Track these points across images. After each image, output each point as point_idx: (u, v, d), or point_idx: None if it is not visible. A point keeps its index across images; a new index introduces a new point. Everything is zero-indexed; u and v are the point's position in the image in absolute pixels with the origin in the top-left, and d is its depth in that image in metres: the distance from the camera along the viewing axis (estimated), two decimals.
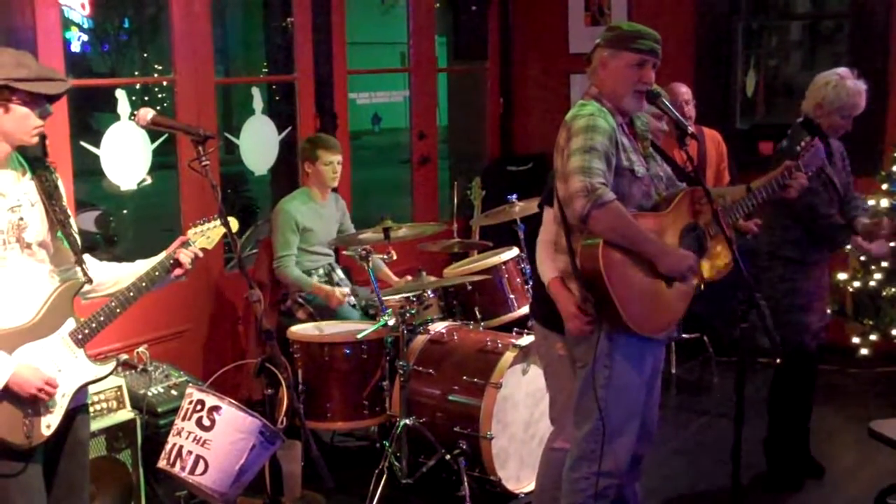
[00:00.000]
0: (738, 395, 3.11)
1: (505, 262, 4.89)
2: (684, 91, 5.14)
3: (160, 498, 4.04)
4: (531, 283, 4.67)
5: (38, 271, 2.85)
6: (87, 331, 2.87)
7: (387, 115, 24.46)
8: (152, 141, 4.95)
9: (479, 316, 4.84)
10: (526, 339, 4.33)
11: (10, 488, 2.75)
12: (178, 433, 3.26)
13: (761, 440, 4.49)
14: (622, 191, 3.09)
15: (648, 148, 3.29)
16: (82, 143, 4.79)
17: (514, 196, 5.07)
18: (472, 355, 4.40)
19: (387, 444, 4.28)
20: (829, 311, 4.83)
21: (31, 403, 2.74)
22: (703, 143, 5.29)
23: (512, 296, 4.88)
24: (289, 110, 6.03)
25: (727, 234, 3.15)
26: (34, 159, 2.94)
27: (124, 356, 4.23)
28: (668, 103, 3.22)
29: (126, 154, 4.85)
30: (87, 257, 2.99)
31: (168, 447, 3.26)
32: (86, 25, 16.63)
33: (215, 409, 3.21)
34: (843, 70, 4.23)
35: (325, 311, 4.91)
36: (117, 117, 4.83)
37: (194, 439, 3.19)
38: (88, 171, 5.34)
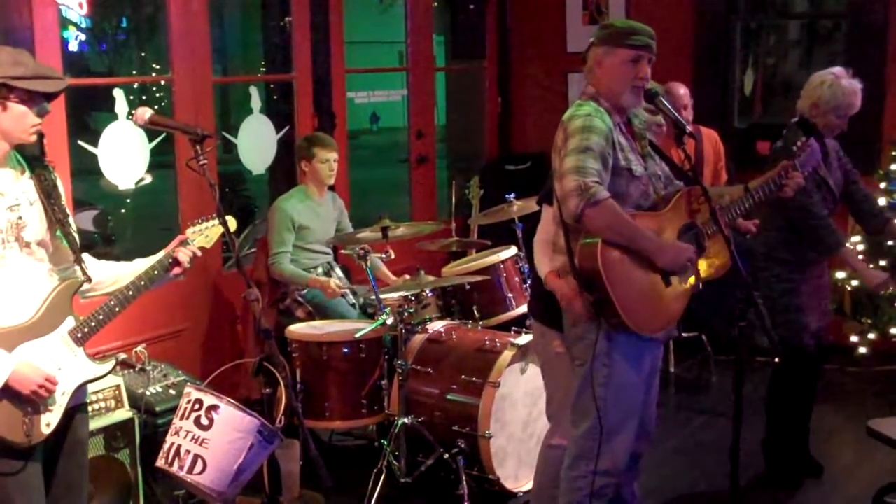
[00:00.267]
0: (736, 394, 3.12)
1: (503, 261, 4.89)
2: (682, 94, 5.12)
3: (158, 497, 4.03)
4: (529, 281, 4.67)
5: (36, 270, 2.85)
6: (86, 329, 2.88)
7: (385, 115, 24.45)
8: (150, 140, 4.95)
9: (477, 315, 4.85)
10: (524, 338, 4.33)
11: (9, 487, 2.75)
12: (177, 432, 3.25)
13: (760, 440, 4.50)
14: (620, 190, 3.09)
15: (646, 147, 3.29)
16: (80, 143, 4.79)
17: (513, 195, 5.07)
18: (470, 354, 4.40)
19: (385, 444, 4.28)
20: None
21: (31, 402, 2.74)
22: (700, 142, 5.29)
23: (510, 295, 4.88)
24: (287, 109, 6.03)
25: (725, 233, 3.15)
26: (33, 158, 2.94)
27: (122, 355, 4.22)
28: (666, 102, 3.22)
29: (124, 153, 4.84)
30: (85, 256, 2.99)
31: (166, 446, 3.26)
32: (83, 25, 16.59)
33: (213, 408, 3.21)
34: (838, 69, 4.23)
35: (324, 310, 4.91)
36: (115, 116, 4.82)
37: (192, 438, 3.19)
38: (86, 170, 5.33)
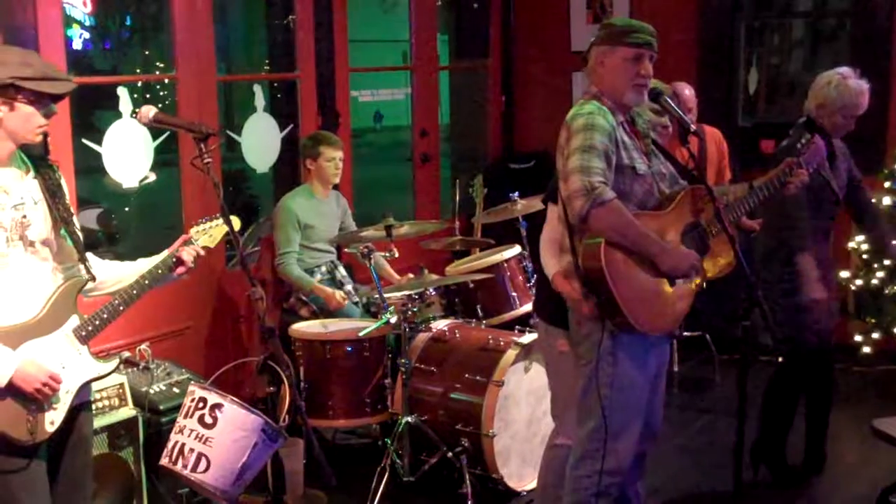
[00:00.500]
0: (740, 393, 3.11)
1: (507, 260, 4.88)
2: (688, 96, 5.10)
3: (162, 495, 4.04)
4: (534, 280, 4.67)
5: (41, 269, 2.85)
6: (90, 328, 2.88)
7: (388, 113, 24.49)
8: (154, 138, 4.95)
9: (480, 314, 4.84)
10: (528, 337, 4.33)
11: (13, 484, 2.75)
12: (181, 431, 3.26)
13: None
14: (624, 188, 3.09)
15: (650, 146, 3.29)
16: (84, 141, 4.79)
17: (516, 194, 5.07)
18: (473, 353, 4.40)
19: (389, 442, 4.28)
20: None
21: (35, 400, 2.74)
22: (704, 140, 5.28)
23: (514, 294, 4.88)
24: (291, 108, 6.02)
25: (729, 231, 3.14)
26: (38, 158, 2.94)
27: (126, 353, 4.23)
28: (670, 101, 3.22)
29: (128, 152, 4.84)
30: (89, 255, 2.99)
31: (170, 445, 3.26)
32: (87, 23, 16.64)
33: (217, 406, 3.21)
34: (845, 69, 4.21)
35: (328, 308, 4.90)
36: (119, 115, 4.82)
37: (196, 437, 3.19)
38: (90, 168, 5.34)
